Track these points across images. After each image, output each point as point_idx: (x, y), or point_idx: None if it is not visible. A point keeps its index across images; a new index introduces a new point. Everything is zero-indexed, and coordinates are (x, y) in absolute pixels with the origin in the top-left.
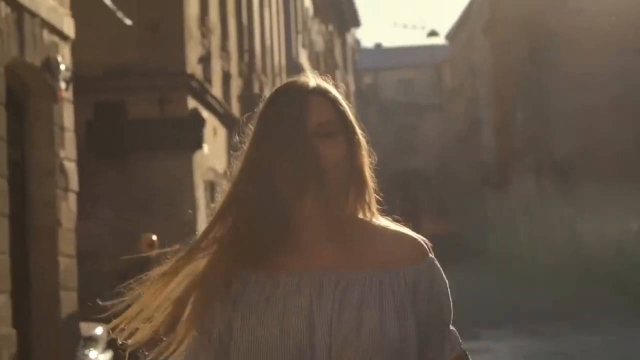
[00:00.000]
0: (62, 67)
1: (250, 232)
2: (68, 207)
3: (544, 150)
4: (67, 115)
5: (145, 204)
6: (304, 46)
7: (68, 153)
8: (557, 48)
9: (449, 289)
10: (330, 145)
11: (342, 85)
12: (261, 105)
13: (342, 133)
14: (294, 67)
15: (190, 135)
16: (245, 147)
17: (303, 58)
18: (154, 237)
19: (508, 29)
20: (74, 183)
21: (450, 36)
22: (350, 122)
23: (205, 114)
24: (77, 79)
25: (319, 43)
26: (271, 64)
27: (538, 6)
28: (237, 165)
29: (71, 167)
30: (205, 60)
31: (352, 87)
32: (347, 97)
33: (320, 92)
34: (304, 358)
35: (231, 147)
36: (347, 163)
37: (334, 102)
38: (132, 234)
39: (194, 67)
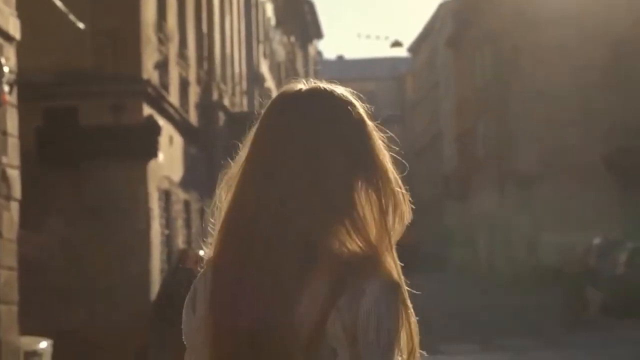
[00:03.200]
0: (6, 69)
1: None
2: (10, 217)
3: (505, 163)
4: (11, 120)
5: (97, 213)
6: (265, 56)
7: (11, 160)
8: (521, 62)
9: None
10: None
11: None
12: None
13: None
14: (255, 76)
15: (145, 143)
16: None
17: (264, 68)
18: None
19: (472, 43)
20: (16, 191)
21: (413, 49)
22: None
23: (161, 121)
24: (27, 85)
25: (281, 53)
26: (231, 72)
27: (502, 21)
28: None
29: (14, 174)
30: (162, 66)
31: None
32: None
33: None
34: None
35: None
36: None
37: None
38: (83, 245)
39: (150, 73)
